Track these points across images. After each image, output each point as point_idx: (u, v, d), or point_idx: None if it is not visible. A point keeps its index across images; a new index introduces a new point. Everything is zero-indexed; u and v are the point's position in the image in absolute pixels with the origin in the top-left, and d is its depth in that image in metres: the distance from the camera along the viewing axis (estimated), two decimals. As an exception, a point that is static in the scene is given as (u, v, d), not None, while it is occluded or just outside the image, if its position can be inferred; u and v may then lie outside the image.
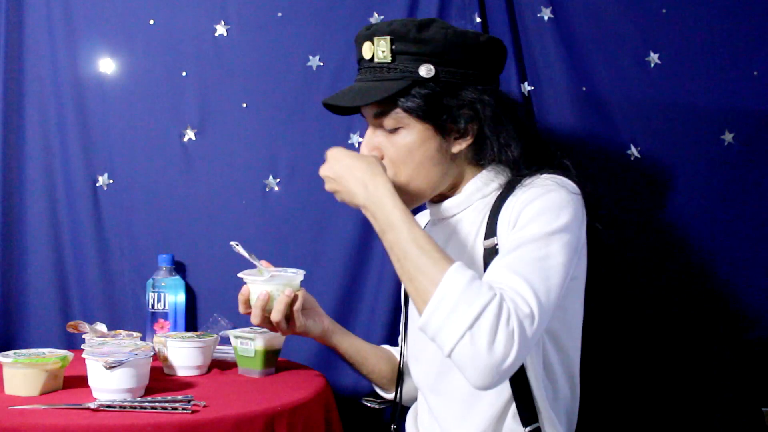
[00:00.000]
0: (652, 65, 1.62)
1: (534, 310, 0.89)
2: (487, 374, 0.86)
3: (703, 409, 1.55)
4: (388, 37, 1.07)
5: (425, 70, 1.06)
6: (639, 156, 1.60)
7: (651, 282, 1.55)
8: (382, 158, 1.11)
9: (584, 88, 1.61)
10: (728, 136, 1.62)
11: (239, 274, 1.18)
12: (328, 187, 1.08)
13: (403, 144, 1.09)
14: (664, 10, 1.63)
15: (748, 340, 1.57)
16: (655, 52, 1.62)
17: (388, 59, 1.07)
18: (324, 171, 1.07)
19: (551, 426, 1.04)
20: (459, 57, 1.08)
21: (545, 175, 1.07)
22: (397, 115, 1.09)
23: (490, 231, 1.07)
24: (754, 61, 1.63)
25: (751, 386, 1.55)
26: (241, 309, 1.19)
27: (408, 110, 1.08)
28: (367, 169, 1.03)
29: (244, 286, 1.18)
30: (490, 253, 1.05)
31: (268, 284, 1.15)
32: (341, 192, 1.06)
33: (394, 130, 1.10)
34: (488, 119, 1.09)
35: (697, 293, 1.58)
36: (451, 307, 0.87)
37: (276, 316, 1.13)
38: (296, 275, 1.19)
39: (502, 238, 1.04)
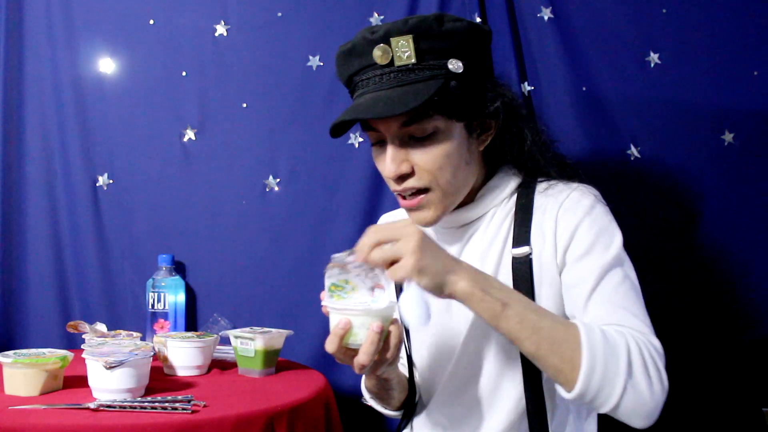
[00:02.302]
0: (652, 65, 1.62)
1: (653, 337, 0.90)
2: (653, 413, 0.87)
3: (703, 409, 1.55)
4: (410, 36, 0.97)
5: (454, 65, 0.98)
6: (639, 156, 1.60)
7: (651, 282, 1.54)
8: (412, 171, 1.01)
9: (584, 88, 1.61)
10: (728, 136, 1.62)
11: (324, 303, 0.94)
12: (412, 263, 0.85)
13: (440, 149, 0.99)
14: (664, 10, 1.63)
15: (748, 340, 1.57)
16: (655, 52, 1.62)
17: (413, 59, 0.97)
18: (402, 247, 0.85)
19: None
20: (475, 48, 1.03)
21: (575, 184, 1.06)
22: (431, 118, 0.98)
23: (520, 239, 1.03)
24: (754, 61, 1.63)
25: (751, 386, 1.55)
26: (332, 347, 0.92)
27: (446, 110, 0.98)
28: (439, 246, 0.89)
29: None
30: (522, 263, 1.02)
31: (350, 314, 0.91)
32: (431, 270, 0.86)
33: (427, 136, 0.99)
34: (511, 112, 1.07)
35: (697, 293, 1.58)
36: (603, 365, 0.84)
37: (362, 357, 0.89)
38: (390, 308, 0.92)
39: (540, 250, 1.02)
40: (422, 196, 1.02)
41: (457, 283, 0.87)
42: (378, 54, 0.98)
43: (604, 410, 0.86)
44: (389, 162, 1.00)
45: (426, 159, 1.00)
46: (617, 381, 0.84)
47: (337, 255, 0.93)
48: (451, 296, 0.88)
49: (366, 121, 1.02)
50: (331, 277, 0.93)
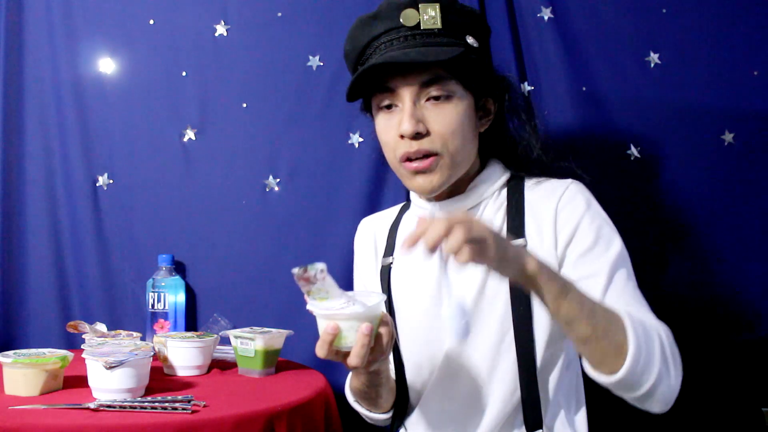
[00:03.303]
0: (652, 65, 1.62)
1: (664, 327, 0.93)
2: (673, 397, 0.90)
3: (703, 409, 1.55)
4: (438, 4, 1.03)
5: (471, 40, 1.06)
6: (639, 156, 1.60)
7: (651, 282, 1.55)
8: (427, 132, 1.03)
9: (584, 88, 1.61)
10: (728, 136, 1.61)
11: (308, 308, 0.91)
12: (483, 255, 0.78)
13: (454, 114, 1.03)
14: (664, 10, 1.63)
15: (748, 340, 1.57)
16: (655, 52, 1.62)
17: (438, 25, 1.03)
18: (475, 232, 0.77)
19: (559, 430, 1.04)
20: (483, 34, 1.09)
21: (568, 180, 1.08)
22: (449, 83, 1.03)
23: (515, 232, 1.05)
24: (754, 61, 1.63)
25: (751, 386, 1.55)
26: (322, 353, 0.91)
27: (464, 78, 1.04)
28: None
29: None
30: None
31: (337, 317, 0.88)
32: (500, 256, 0.80)
33: (444, 99, 1.03)
34: (511, 101, 1.11)
35: (697, 293, 1.58)
36: (647, 352, 0.86)
37: (354, 360, 0.89)
38: (377, 305, 0.91)
39: (537, 243, 1.04)
40: (433, 158, 1.04)
41: (526, 263, 0.83)
42: (406, 15, 1.03)
43: (634, 395, 0.87)
44: (407, 119, 1.02)
45: (441, 122, 1.03)
46: (654, 368, 0.86)
47: (295, 271, 0.85)
48: (517, 277, 0.84)
49: (383, 82, 1.04)
50: (303, 287, 0.87)
